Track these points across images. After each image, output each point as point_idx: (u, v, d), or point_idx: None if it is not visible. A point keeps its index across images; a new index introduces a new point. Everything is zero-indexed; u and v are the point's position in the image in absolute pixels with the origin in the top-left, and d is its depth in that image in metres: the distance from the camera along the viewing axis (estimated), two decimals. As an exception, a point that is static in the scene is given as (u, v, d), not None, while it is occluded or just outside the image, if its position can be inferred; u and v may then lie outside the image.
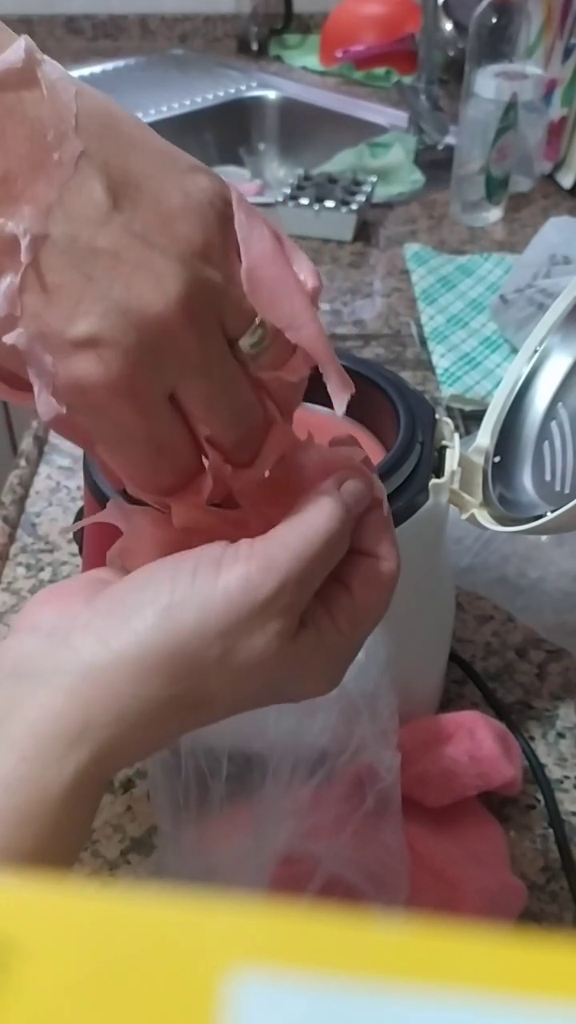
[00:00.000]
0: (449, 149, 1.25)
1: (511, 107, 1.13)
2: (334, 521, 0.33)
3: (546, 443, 0.57)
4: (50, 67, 0.28)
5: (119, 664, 0.30)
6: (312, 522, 0.32)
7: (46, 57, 0.28)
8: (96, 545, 0.56)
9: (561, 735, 0.61)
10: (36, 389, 0.30)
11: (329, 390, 0.33)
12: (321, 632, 0.33)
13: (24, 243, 0.28)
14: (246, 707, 0.34)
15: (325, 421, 0.59)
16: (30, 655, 0.31)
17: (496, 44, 1.15)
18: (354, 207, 1.16)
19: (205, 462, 0.33)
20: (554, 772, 0.58)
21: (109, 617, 0.31)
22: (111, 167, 0.29)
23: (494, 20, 1.13)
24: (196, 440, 0.33)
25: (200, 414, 0.32)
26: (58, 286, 0.28)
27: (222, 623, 0.31)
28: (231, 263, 0.31)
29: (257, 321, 0.31)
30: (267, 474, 0.35)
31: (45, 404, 0.30)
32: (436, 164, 1.31)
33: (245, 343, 0.31)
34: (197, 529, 0.34)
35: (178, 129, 1.48)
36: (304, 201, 1.15)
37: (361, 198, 1.17)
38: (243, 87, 1.63)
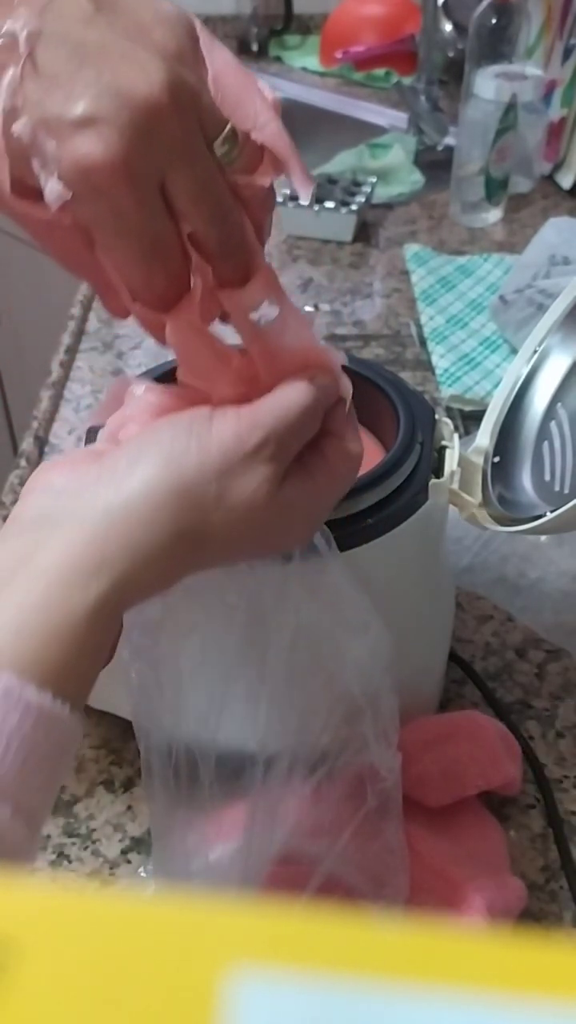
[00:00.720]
0: (449, 150, 1.25)
1: (511, 108, 1.13)
2: (309, 399, 0.38)
3: (545, 443, 0.57)
4: None
5: (130, 505, 0.34)
6: (290, 396, 0.38)
7: None
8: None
9: (560, 735, 0.61)
10: (43, 180, 0.33)
11: (293, 184, 0.38)
12: (302, 485, 0.39)
13: (22, 38, 0.32)
14: (239, 552, 0.38)
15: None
16: (49, 508, 0.35)
17: (496, 45, 1.15)
18: (354, 208, 1.16)
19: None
20: (553, 772, 0.58)
21: (117, 470, 0.35)
22: None
23: (494, 21, 1.14)
24: (185, 249, 0.36)
25: (185, 208, 0.35)
26: (55, 74, 0.32)
27: (218, 466, 0.35)
28: (202, 72, 0.35)
29: (228, 128, 0.35)
30: (252, 347, 0.40)
31: (53, 190, 0.33)
32: (436, 165, 1.31)
33: (219, 148, 0.35)
34: (189, 398, 0.40)
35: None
36: (304, 202, 1.15)
37: (361, 199, 1.17)
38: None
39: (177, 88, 0.33)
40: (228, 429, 0.36)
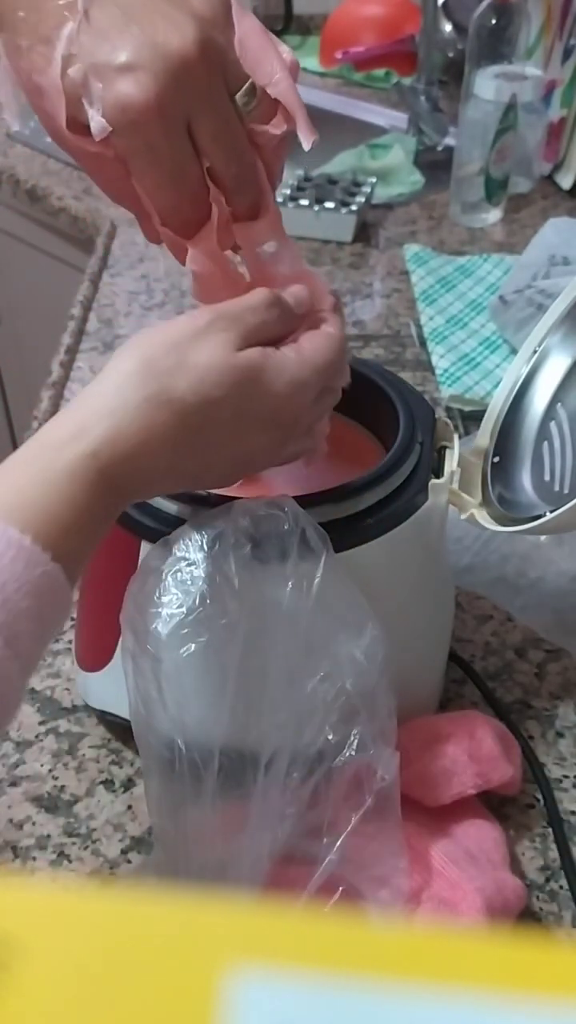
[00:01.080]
0: (449, 150, 1.25)
1: (510, 108, 1.13)
2: (268, 294, 0.43)
3: (545, 443, 0.58)
4: None
5: (104, 382, 0.40)
6: (254, 294, 0.44)
7: None
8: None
9: (560, 734, 0.61)
10: (91, 116, 0.40)
11: (298, 133, 0.44)
12: (265, 351, 0.42)
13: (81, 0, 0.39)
14: (217, 418, 0.41)
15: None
16: None
17: (496, 45, 1.15)
18: (354, 208, 1.16)
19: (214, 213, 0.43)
20: (553, 771, 0.58)
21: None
22: None
23: (494, 21, 1.14)
24: (205, 181, 0.42)
25: (206, 145, 0.41)
26: (105, 29, 0.39)
27: (174, 339, 0.41)
28: (230, 35, 0.42)
29: (248, 83, 0.42)
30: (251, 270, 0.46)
31: (97, 124, 0.40)
32: (436, 165, 1.31)
33: (240, 99, 0.42)
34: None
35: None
36: (304, 202, 1.15)
37: (361, 199, 1.17)
38: None
39: (206, 45, 0.39)
40: (186, 315, 0.43)
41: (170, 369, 0.40)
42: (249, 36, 0.43)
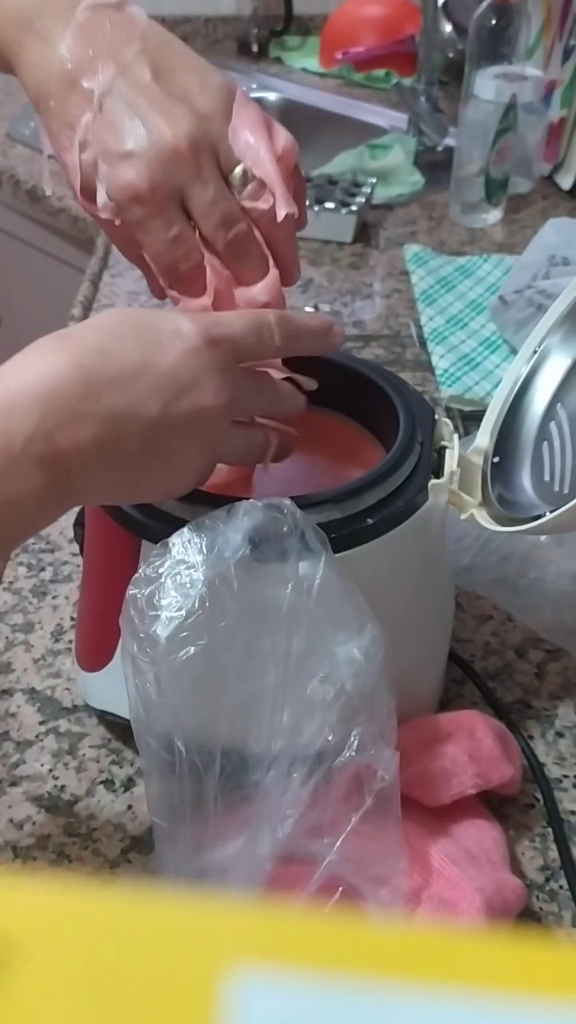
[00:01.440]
0: (449, 150, 1.25)
1: (510, 108, 1.14)
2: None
3: (545, 443, 0.58)
4: (135, 8, 0.49)
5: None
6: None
7: (134, 4, 0.49)
8: (96, 544, 0.56)
9: (560, 734, 0.61)
10: (98, 191, 0.48)
11: (276, 207, 0.49)
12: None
13: (97, 94, 0.47)
14: (110, 370, 0.41)
15: (325, 421, 0.59)
16: None
17: (496, 46, 1.15)
18: (354, 208, 1.16)
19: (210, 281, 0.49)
20: (553, 771, 0.58)
21: None
22: (157, 61, 0.48)
23: (494, 22, 1.14)
24: (200, 248, 0.48)
25: (198, 218, 0.48)
26: (113, 121, 0.47)
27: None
28: (225, 127, 0.48)
29: (240, 167, 0.48)
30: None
31: (102, 199, 0.48)
32: (436, 165, 1.31)
33: (233, 179, 0.48)
34: None
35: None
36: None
37: (361, 199, 1.17)
38: (243, 89, 1.63)
39: (196, 136, 0.47)
40: None
41: (65, 329, 0.43)
42: (243, 126, 0.48)
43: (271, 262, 0.50)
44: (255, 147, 0.48)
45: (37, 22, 0.48)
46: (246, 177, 0.48)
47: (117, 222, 0.48)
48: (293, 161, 0.50)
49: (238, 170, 0.48)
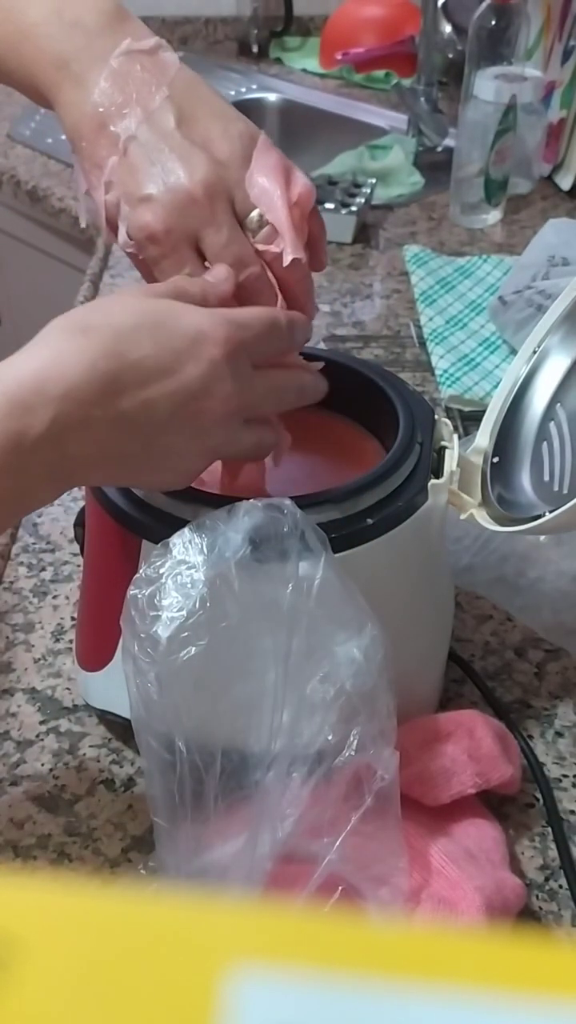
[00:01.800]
0: (448, 151, 1.26)
1: (510, 109, 1.14)
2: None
3: (544, 444, 0.58)
4: (168, 54, 0.51)
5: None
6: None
7: (166, 46, 0.51)
8: (96, 544, 0.56)
9: (560, 734, 0.61)
10: (120, 229, 0.51)
11: (284, 250, 0.50)
12: (180, 289, 0.47)
13: (123, 139, 0.49)
14: (127, 363, 0.42)
15: (325, 421, 0.59)
16: None
17: (495, 46, 1.15)
18: (354, 209, 1.16)
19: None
20: (553, 771, 0.58)
21: None
22: (183, 107, 0.50)
23: (493, 22, 1.14)
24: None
25: (212, 258, 0.50)
26: (136, 166, 0.49)
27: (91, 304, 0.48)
28: (242, 174, 0.50)
29: (255, 212, 0.50)
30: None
31: (122, 237, 0.51)
32: (435, 166, 1.31)
33: (248, 223, 0.50)
34: None
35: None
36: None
37: (361, 200, 1.17)
38: (243, 89, 1.63)
39: (210, 182, 0.49)
40: None
41: (84, 312, 0.44)
42: (261, 171, 0.50)
43: (280, 302, 0.51)
44: (270, 192, 0.50)
45: (75, 65, 0.50)
46: (261, 221, 0.50)
47: (139, 256, 0.51)
48: (308, 206, 0.51)
49: (253, 215, 0.50)
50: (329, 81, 1.67)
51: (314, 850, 0.44)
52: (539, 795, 0.57)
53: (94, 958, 0.12)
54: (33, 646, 0.66)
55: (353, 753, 0.43)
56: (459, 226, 1.22)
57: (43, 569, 0.73)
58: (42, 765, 0.58)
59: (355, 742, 0.43)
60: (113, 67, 0.49)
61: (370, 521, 0.49)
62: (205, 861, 0.45)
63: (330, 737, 0.43)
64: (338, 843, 0.44)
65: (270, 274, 0.51)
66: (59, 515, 0.77)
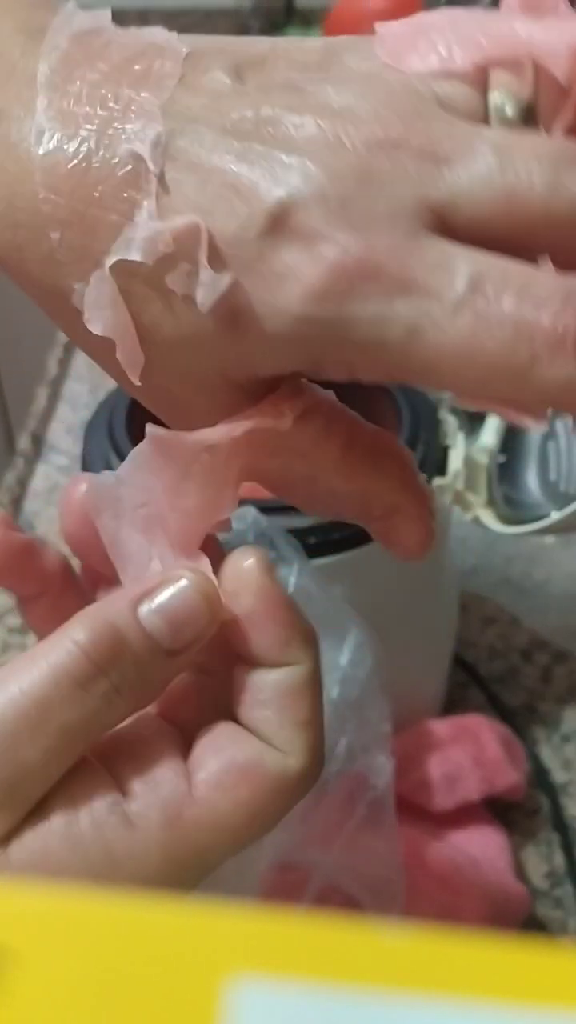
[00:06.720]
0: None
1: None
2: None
3: (550, 442, 0.57)
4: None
5: None
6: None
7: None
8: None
9: (566, 739, 0.60)
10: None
11: None
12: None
13: (147, 153, 0.23)
14: None
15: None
16: None
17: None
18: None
19: None
20: (559, 776, 0.58)
21: None
22: (227, 51, 0.24)
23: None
24: None
25: (485, 215, 0.24)
26: (211, 178, 0.23)
27: None
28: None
29: (503, 88, 0.24)
30: None
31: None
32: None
33: (493, 110, 0.24)
34: None
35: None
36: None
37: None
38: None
39: (379, 116, 0.24)
40: None
41: None
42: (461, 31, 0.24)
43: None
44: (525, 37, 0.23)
45: None
46: (520, 100, 0.23)
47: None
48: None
49: (498, 94, 0.23)
50: (332, 76, 1.66)
51: (310, 858, 0.44)
52: (545, 801, 0.56)
53: (91, 968, 0.11)
54: (29, 648, 0.66)
55: (345, 762, 0.43)
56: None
57: (41, 569, 0.72)
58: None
59: (346, 751, 0.43)
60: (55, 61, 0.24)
61: (373, 521, 0.48)
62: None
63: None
64: (335, 851, 0.44)
65: None
66: (55, 515, 0.77)
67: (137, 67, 0.24)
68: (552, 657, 0.65)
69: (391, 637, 0.44)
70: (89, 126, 0.23)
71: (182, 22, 1.84)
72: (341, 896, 0.45)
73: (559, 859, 0.54)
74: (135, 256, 0.23)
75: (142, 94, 0.23)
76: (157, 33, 0.25)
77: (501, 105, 0.23)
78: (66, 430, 0.86)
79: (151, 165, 0.23)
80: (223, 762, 0.25)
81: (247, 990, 0.11)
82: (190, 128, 0.23)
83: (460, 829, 0.52)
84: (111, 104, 0.23)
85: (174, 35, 0.25)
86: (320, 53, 0.25)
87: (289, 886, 0.44)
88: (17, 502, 0.78)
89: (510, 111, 0.23)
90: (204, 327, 0.23)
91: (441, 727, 0.54)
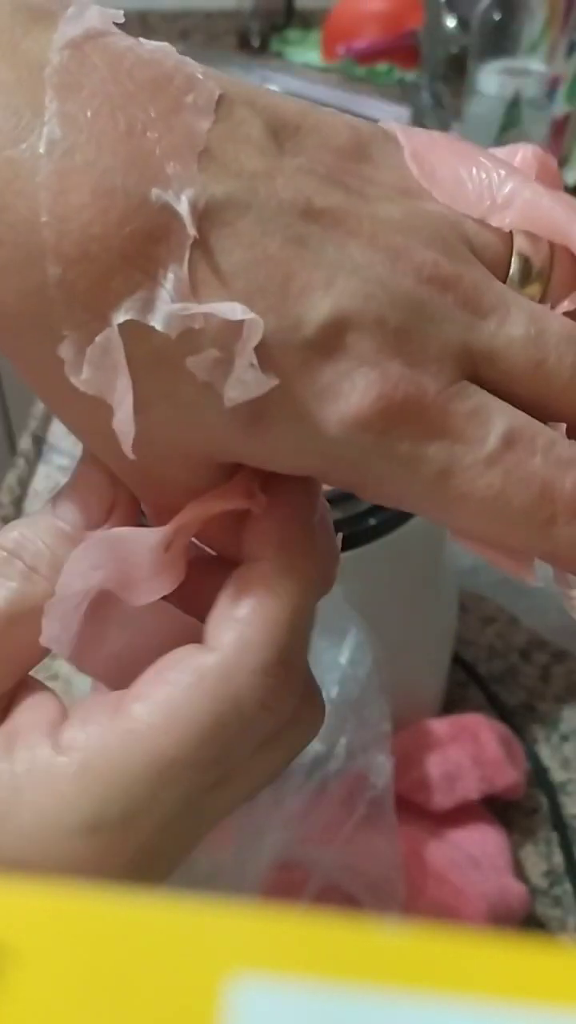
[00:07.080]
0: (452, 146, 1.25)
1: (514, 104, 1.13)
2: None
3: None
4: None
5: None
6: None
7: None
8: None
9: (565, 738, 0.60)
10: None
11: None
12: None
13: (185, 210, 0.19)
14: None
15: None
16: None
17: (499, 40, 1.14)
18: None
19: None
20: (558, 775, 0.58)
21: None
22: (258, 105, 0.21)
23: (497, 16, 1.13)
24: None
25: (506, 368, 0.24)
26: (261, 262, 0.20)
27: None
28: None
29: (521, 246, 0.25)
30: None
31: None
32: (439, 161, 1.31)
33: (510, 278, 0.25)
34: None
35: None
36: None
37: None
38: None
39: (426, 230, 0.23)
40: None
41: None
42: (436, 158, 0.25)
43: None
44: (537, 201, 0.23)
45: None
46: (529, 262, 0.23)
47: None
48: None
49: (519, 262, 0.23)
50: (331, 75, 1.66)
51: (310, 858, 0.44)
52: (544, 800, 0.56)
53: (91, 967, 0.11)
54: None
55: (345, 761, 0.43)
56: (462, 222, 1.21)
57: (41, 568, 0.72)
58: (39, 768, 0.58)
59: (346, 750, 0.43)
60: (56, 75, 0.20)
61: (372, 522, 0.48)
62: (201, 869, 0.44)
63: (319, 746, 0.42)
64: (334, 851, 0.44)
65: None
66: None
67: (166, 95, 0.20)
68: (551, 656, 0.65)
69: (391, 636, 0.44)
70: (116, 150, 0.19)
71: (182, 23, 1.83)
72: (341, 895, 0.45)
73: (558, 858, 0.54)
74: (157, 325, 0.19)
75: (175, 131, 0.19)
76: (172, 54, 0.21)
77: (523, 269, 0.23)
78: (67, 431, 0.86)
79: (189, 227, 0.19)
80: (150, 671, 0.22)
81: (247, 989, 0.11)
82: (237, 194, 0.20)
83: (459, 828, 0.52)
84: (139, 129, 0.19)
85: (194, 63, 0.21)
86: (348, 138, 0.24)
87: (289, 885, 0.44)
88: (18, 503, 0.78)
89: (528, 276, 0.23)
90: (218, 418, 0.20)
91: (440, 726, 0.54)
